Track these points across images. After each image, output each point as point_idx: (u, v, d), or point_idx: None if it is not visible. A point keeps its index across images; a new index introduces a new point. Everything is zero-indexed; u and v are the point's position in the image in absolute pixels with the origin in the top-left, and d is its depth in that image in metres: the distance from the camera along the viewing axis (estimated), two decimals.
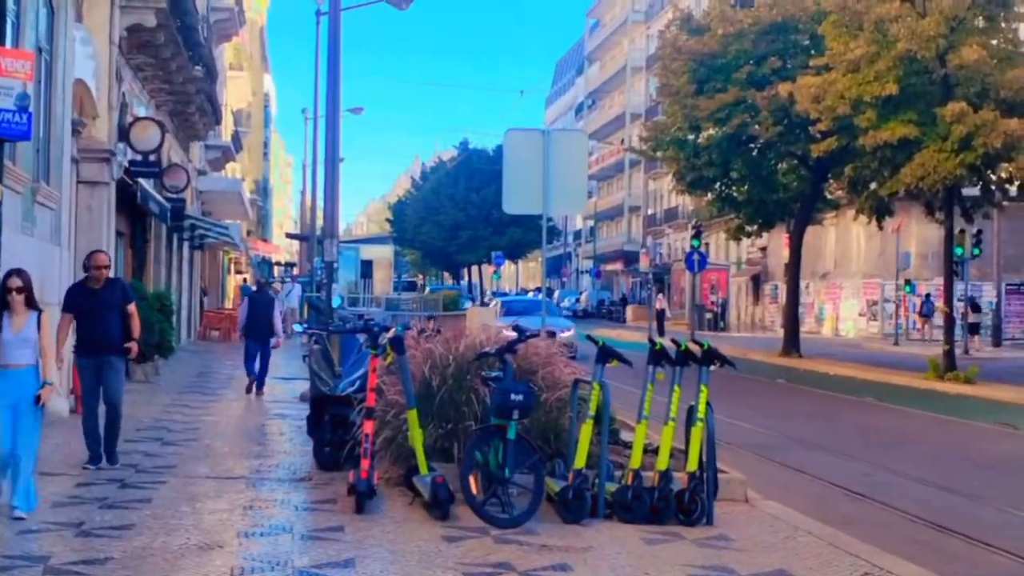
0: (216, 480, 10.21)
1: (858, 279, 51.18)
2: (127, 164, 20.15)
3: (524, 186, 15.15)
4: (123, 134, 19.80)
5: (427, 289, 73.91)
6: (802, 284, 45.52)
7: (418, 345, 10.56)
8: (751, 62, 32.03)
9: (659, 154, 35.12)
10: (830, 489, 11.66)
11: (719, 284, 61.81)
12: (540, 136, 15.26)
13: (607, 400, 9.11)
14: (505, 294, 63.79)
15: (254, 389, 18.68)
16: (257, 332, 18.75)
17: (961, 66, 25.01)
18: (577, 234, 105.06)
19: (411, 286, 62.47)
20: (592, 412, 9.05)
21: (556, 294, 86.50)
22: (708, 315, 58.57)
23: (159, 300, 20.91)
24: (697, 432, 9.02)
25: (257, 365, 18.79)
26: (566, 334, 27.36)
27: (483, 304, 47.70)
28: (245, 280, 51.45)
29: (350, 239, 76.10)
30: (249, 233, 62.01)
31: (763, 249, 61.32)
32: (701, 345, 9.37)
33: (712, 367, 9.32)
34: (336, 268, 18.69)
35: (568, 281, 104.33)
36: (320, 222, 33.52)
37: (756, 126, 31.86)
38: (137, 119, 20.52)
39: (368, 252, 50.07)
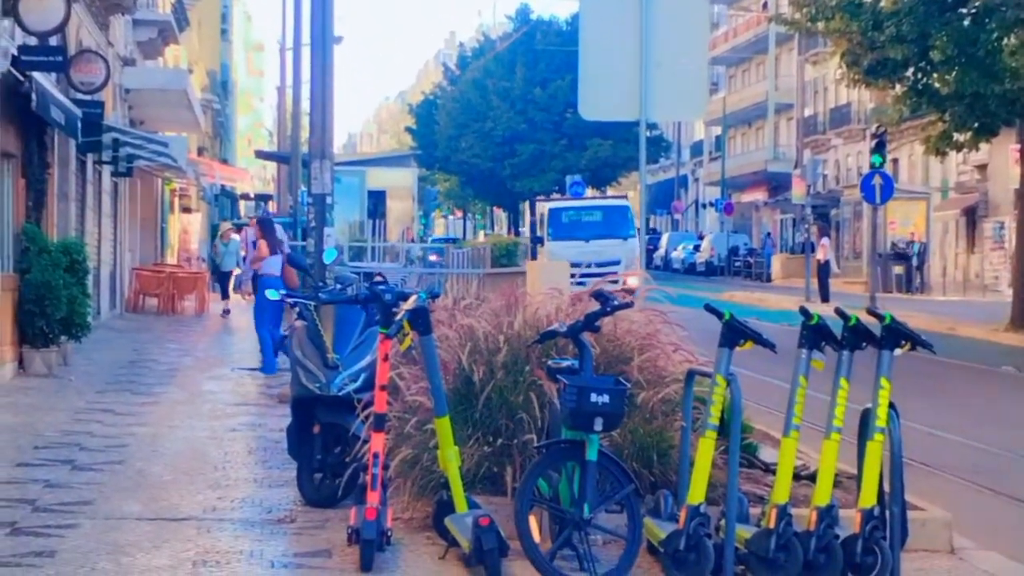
0: (153, 523, 10.36)
1: None
2: (15, 51, 20.32)
3: (610, 78, 15.19)
4: (9, 6, 19.97)
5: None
6: None
7: (453, 321, 10.64)
8: None
9: (820, 25, 34.79)
10: None
11: (914, 221, 61.42)
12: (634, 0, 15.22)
13: (737, 402, 9.10)
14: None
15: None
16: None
17: None
18: (696, 148, 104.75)
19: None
20: (715, 420, 9.07)
21: (664, 238, 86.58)
22: (897, 268, 58.33)
23: (67, 254, 21.14)
24: (875, 449, 9.00)
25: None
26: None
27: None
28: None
29: (352, 158, 76.42)
30: (201, 151, 62.55)
31: (982, 168, 60.75)
32: (881, 317, 9.33)
33: (899, 350, 9.27)
34: (330, 204, 18.82)
35: (682, 219, 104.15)
36: (306, 135, 33.67)
37: None
38: None
39: (379, 178, 50.28)
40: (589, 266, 39.74)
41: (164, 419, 16.34)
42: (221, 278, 39.12)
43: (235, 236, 38.54)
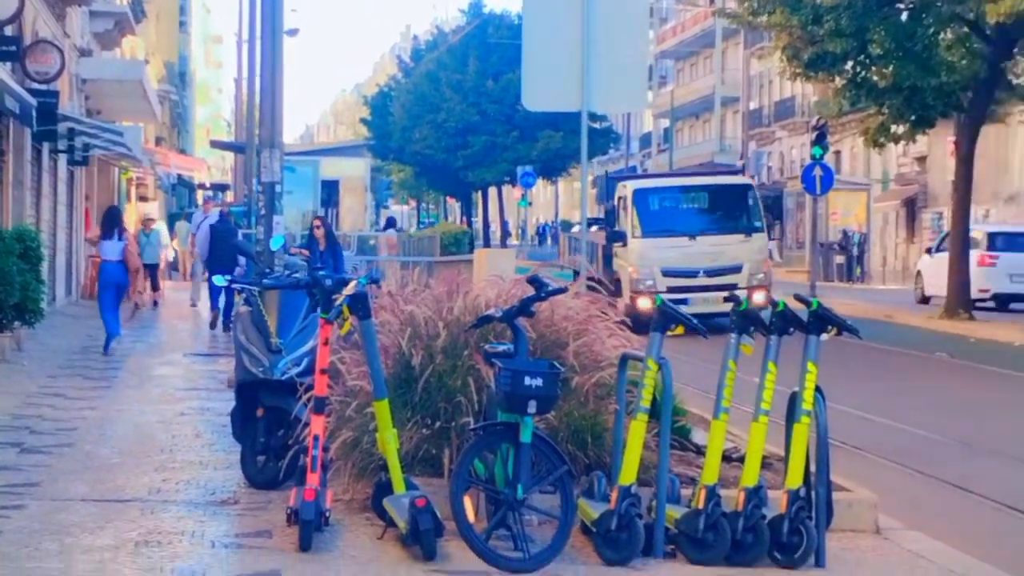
0: (98, 504, 10.33)
1: None
2: None
3: (553, 70, 15.20)
4: None
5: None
6: (977, 212, 45.36)
7: (396, 306, 10.64)
8: None
9: (762, 20, 34.85)
10: (1006, 515, 11.70)
11: (855, 212, 61.75)
12: None
13: (668, 384, 9.16)
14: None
15: (219, 324, 25.19)
16: (222, 265, 23.75)
17: None
18: (645, 139, 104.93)
19: (390, 224, 54.30)
20: (646, 403, 9.11)
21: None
22: (838, 258, 58.64)
23: (21, 242, 21.00)
24: (801, 432, 9.05)
25: (222, 300, 24.97)
26: None
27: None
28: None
29: (307, 148, 76.10)
30: (159, 141, 62.23)
31: (921, 160, 61.09)
32: (808, 303, 9.38)
33: (825, 335, 9.33)
34: (279, 193, 18.76)
35: None
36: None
37: None
38: None
39: (332, 168, 49.94)
40: (696, 275, 28.83)
41: (114, 403, 16.26)
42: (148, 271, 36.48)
43: (155, 227, 36.88)
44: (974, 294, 36.53)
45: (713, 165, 70.29)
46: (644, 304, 23.37)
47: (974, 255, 38.14)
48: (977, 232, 39.53)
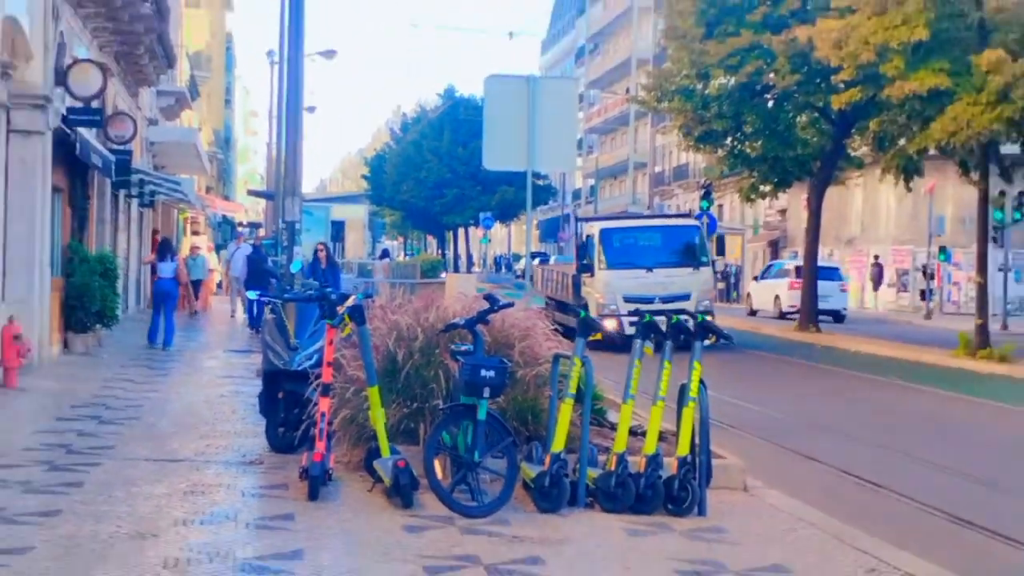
0: (156, 463, 10.26)
1: (887, 245, 51.25)
2: (65, 112, 20.05)
3: (506, 139, 15.17)
4: (60, 78, 19.68)
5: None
6: (824, 251, 45.63)
7: (385, 316, 10.61)
8: (767, 2, 31.93)
9: (663, 105, 35.03)
10: (841, 477, 11.77)
11: (734, 251, 61.91)
12: (524, 84, 15.26)
13: (589, 377, 9.17)
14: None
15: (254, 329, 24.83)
16: (257, 284, 24.04)
17: (1000, 9, 24.98)
18: (576, 193, 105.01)
19: (384, 254, 54.90)
20: (572, 390, 9.11)
21: (552, 260, 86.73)
22: (720, 285, 58.78)
23: (102, 263, 20.89)
24: (688, 413, 9.08)
25: (255, 310, 25.18)
26: None
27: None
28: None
29: (322, 196, 75.94)
30: (208, 190, 61.88)
31: (783, 212, 61.44)
32: (694, 317, 9.42)
33: (707, 341, 9.37)
34: (299, 230, 18.71)
35: (566, 245, 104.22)
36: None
37: (771, 74, 31.76)
38: (76, 61, 20.40)
39: (339, 212, 49.97)
40: (653, 301, 25.67)
41: (171, 387, 16.15)
42: (192, 286, 35.89)
43: (200, 253, 36.69)
44: (785, 308, 38.72)
45: (628, 214, 70.30)
46: (610, 324, 23.05)
47: (785, 281, 40.08)
48: (789, 265, 41.97)
